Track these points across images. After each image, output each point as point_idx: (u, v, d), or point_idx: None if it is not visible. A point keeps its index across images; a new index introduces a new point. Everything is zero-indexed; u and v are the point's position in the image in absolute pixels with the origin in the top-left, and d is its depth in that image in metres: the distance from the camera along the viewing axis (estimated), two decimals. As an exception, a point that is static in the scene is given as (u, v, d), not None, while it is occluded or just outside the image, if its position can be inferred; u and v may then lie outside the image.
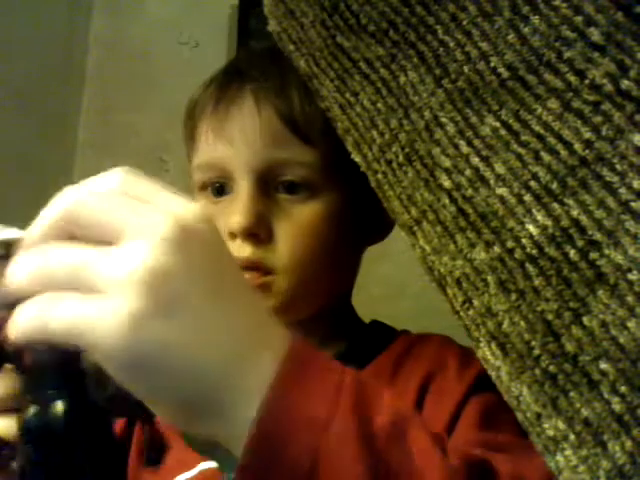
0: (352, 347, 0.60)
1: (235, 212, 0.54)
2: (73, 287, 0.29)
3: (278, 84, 0.56)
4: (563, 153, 0.34)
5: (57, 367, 0.32)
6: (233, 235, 0.54)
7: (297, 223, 0.55)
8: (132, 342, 0.28)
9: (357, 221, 0.59)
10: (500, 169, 0.36)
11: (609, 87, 0.33)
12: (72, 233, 0.30)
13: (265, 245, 0.54)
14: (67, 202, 0.30)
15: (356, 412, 0.32)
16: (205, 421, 0.31)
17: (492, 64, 0.37)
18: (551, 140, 0.35)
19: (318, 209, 0.56)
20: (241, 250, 0.54)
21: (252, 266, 0.54)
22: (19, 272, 0.30)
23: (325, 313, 0.60)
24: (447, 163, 0.38)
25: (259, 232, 0.54)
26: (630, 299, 0.32)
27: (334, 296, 0.62)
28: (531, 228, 0.35)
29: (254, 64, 0.60)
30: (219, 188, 0.57)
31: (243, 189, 0.54)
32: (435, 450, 0.33)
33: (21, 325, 0.29)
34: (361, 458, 0.31)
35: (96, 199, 0.30)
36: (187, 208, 0.30)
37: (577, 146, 0.34)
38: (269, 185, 0.55)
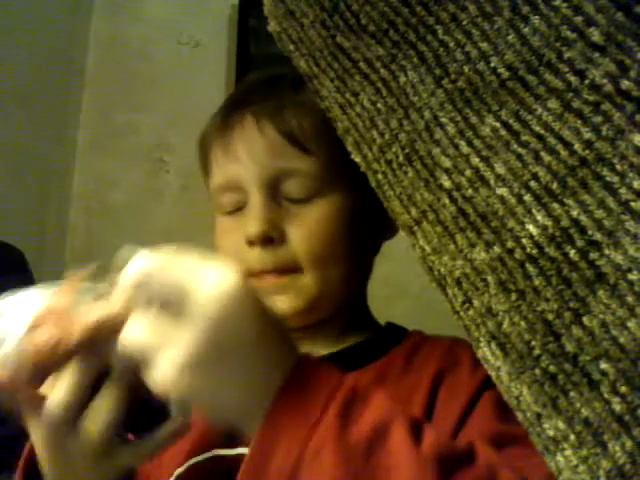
0: (370, 340, 0.64)
1: (250, 221, 0.60)
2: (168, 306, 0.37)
3: (275, 105, 0.62)
4: (563, 153, 0.34)
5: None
6: (251, 243, 0.60)
7: (307, 223, 0.60)
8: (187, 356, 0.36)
9: (366, 216, 0.63)
10: (500, 169, 0.36)
11: (609, 87, 0.33)
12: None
13: (280, 247, 0.60)
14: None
15: (340, 417, 0.37)
16: (232, 424, 0.40)
17: (492, 64, 0.37)
18: (551, 140, 0.35)
19: (324, 209, 0.61)
20: (261, 257, 0.60)
21: (275, 269, 0.60)
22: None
23: (344, 307, 0.64)
24: (447, 163, 0.38)
25: (273, 235, 0.59)
26: (630, 299, 0.32)
27: (354, 291, 0.65)
28: (531, 228, 0.35)
29: (252, 92, 0.67)
30: (236, 207, 0.63)
31: (255, 200, 0.61)
32: (412, 448, 0.37)
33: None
34: (337, 463, 0.36)
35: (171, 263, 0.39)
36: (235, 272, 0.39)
37: (577, 146, 0.34)
38: (278, 194, 0.61)
